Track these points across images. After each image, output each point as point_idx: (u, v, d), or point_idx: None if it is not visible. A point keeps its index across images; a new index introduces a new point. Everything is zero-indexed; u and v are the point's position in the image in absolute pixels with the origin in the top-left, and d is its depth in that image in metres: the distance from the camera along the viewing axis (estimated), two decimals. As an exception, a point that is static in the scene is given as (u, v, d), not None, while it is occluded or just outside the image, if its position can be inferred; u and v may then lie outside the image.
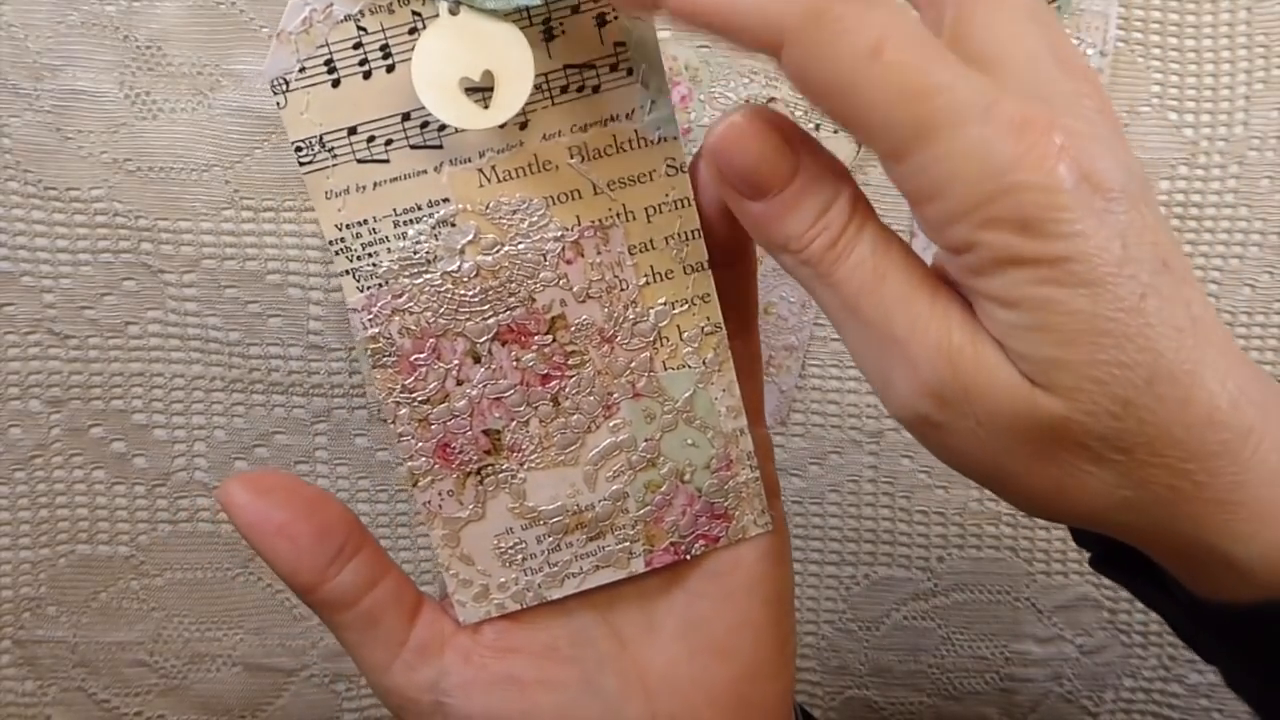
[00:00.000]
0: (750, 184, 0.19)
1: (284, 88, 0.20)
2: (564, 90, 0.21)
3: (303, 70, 0.20)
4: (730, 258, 0.23)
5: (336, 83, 0.20)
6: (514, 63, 0.20)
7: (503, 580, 0.23)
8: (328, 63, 0.20)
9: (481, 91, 0.20)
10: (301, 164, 0.21)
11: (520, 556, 0.23)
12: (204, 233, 0.40)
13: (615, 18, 0.20)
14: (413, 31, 0.20)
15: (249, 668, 0.42)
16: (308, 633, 0.42)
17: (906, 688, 0.44)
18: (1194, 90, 0.42)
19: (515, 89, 0.20)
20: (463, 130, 0.20)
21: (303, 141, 0.21)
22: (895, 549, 0.43)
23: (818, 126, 0.41)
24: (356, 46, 0.20)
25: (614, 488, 0.23)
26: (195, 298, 0.40)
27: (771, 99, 0.40)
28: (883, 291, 0.19)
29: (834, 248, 0.20)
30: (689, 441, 0.23)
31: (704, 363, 0.22)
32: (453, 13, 0.20)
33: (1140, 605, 0.44)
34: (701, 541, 0.23)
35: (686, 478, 0.23)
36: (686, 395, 0.23)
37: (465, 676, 0.23)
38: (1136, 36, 0.41)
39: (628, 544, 0.23)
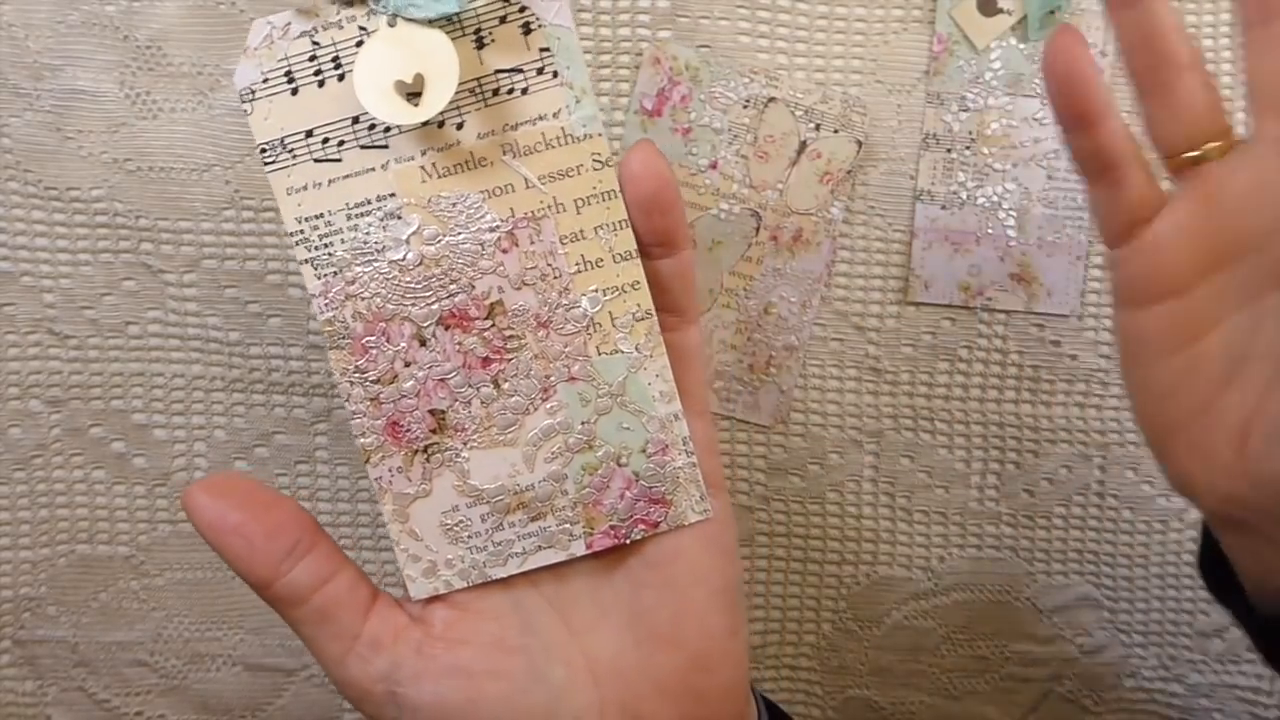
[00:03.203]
0: None
1: (250, 97, 0.23)
2: (495, 93, 0.23)
3: (265, 81, 0.23)
4: (662, 250, 0.24)
5: (295, 91, 0.23)
6: (441, 65, 0.22)
7: (449, 557, 0.24)
8: (287, 74, 0.22)
9: (414, 94, 0.22)
10: (265, 164, 0.23)
11: (465, 534, 0.24)
12: (204, 233, 0.40)
13: (540, 26, 0.22)
14: (359, 44, 0.22)
15: (249, 668, 0.42)
16: (308, 633, 0.42)
17: (906, 687, 0.44)
18: (1194, 90, 0.42)
19: (442, 88, 0.22)
20: (399, 127, 0.22)
21: (266, 144, 0.23)
22: (895, 549, 0.43)
23: (818, 127, 0.41)
24: (312, 59, 0.23)
25: (552, 468, 0.24)
26: (195, 298, 0.40)
27: (771, 99, 0.40)
28: None
29: None
30: (624, 425, 0.24)
31: (636, 348, 0.24)
32: (390, 24, 0.22)
33: (1140, 604, 0.44)
34: (641, 526, 0.24)
35: (623, 461, 0.24)
36: (620, 379, 0.24)
37: (416, 667, 0.24)
38: (1137, 36, 0.41)
39: (568, 525, 0.24)
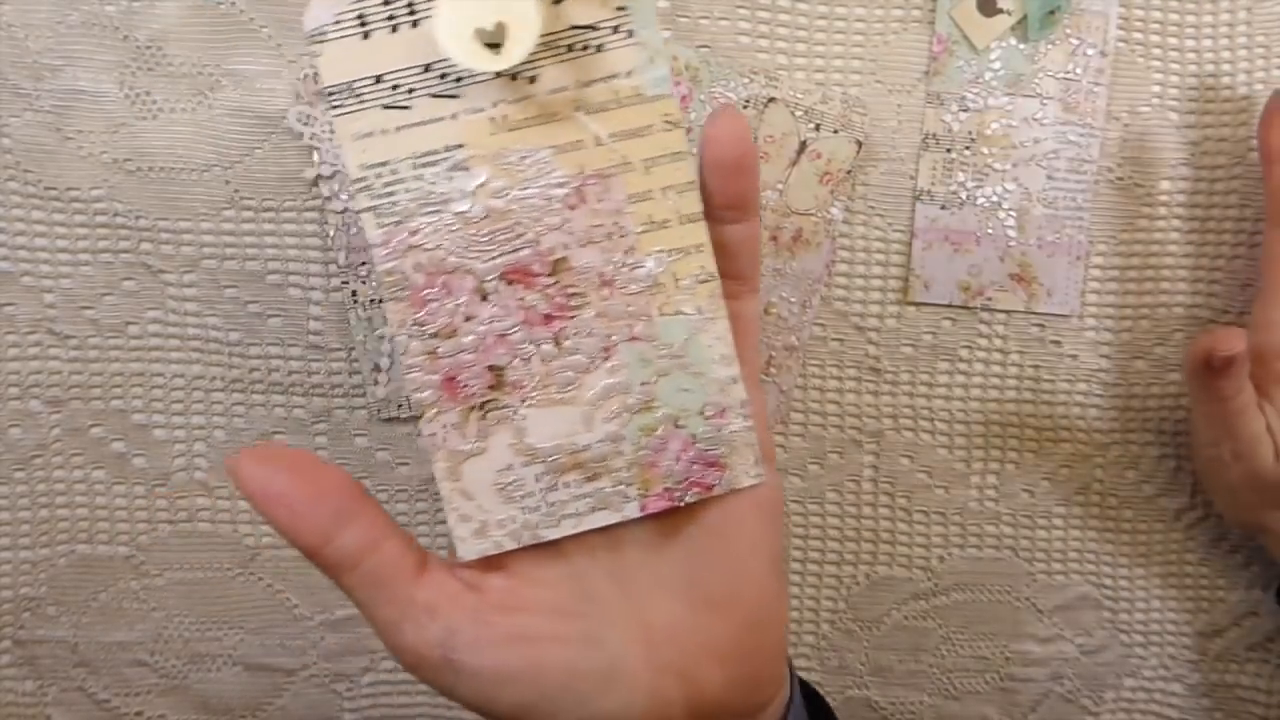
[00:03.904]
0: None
1: (321, 38, 0.22)
2: (570, 49, 0.22)
3: (337, 23, 0.22)
4: (731, 214, 0.24)
5: (366, 35, 0.22)
6: (522, 15, 0.21)
7: (501, 518, 0.24)
8: (359, 17, 0.22)
9: (492, 45, 0.21)
10: (333, 108, 0.22)
11: (519, 494, 0.23)
12: (204, 233, 0.40)
13: None
14: None
15: (249, 668, 0.42)
16: (307, 633, 0.42)
17: (906, 687, 0.44)
18: (1194, 90, 0.42)
19: (523, 39, 0.21)
20: (476, 75, 0.22)
21: (334, 87, 0.22)
22: (895, 549, 0.43)
23: (818, 127, 0.41)
24: (385, 3, 0.22)
25: (610, 428, 0.23)
26: (195, 298, 0.40)
27: (771, 99, 0.40)
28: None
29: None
30: (683, 387, 0.23)
31: (698, 310, 0.23)
32: None
33: (1140, 604, 0.44)
34: (695, 489, 0.24)
35: (681, 423, 0.24)
36: (681, 341, 0.23)
37: (474, 634, 0.24)
38: (1136, 36, 0.41)
39: (623, 487, 0.24)
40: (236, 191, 0.39)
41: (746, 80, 0.40)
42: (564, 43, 0.22)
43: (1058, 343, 0.43)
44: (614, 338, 0.23)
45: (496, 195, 0.23)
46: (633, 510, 0.24)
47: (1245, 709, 0.45)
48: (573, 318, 0.23)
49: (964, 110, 0.41)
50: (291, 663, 0.42)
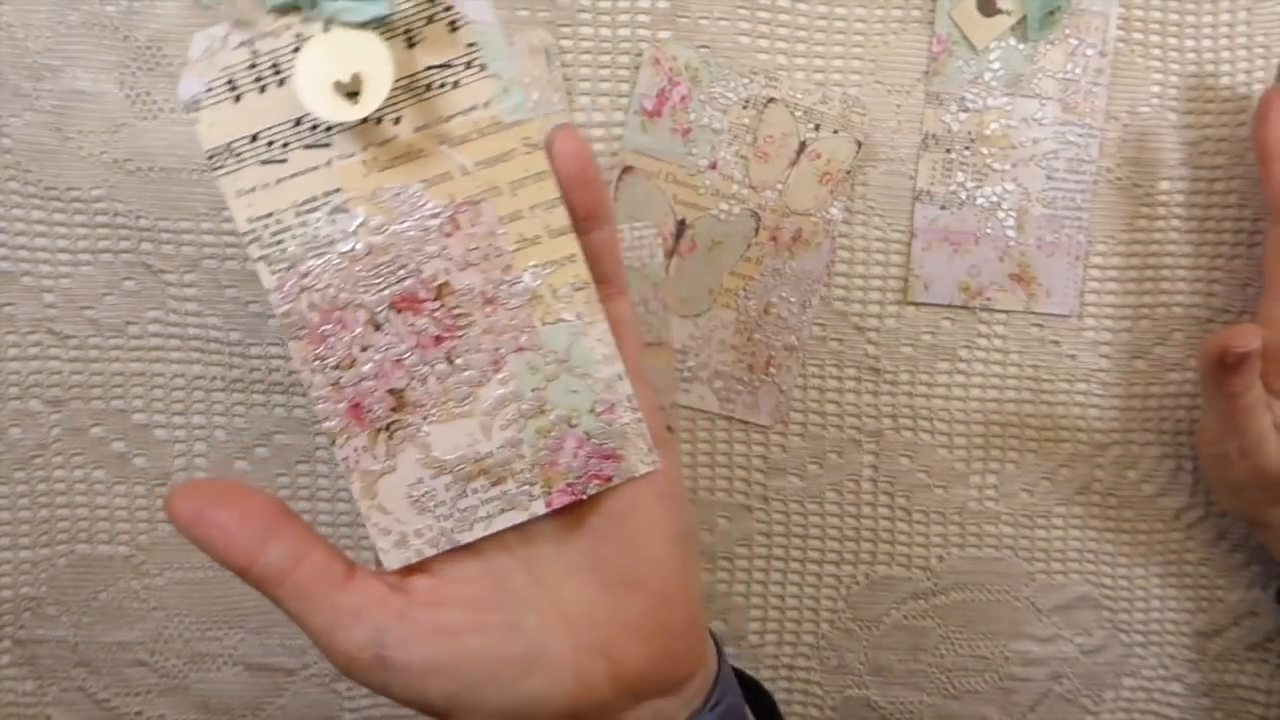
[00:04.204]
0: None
1: (196, 106, 0.24)
2: (428, 88, 0.24)
3: (209, 90, 0.24)
4: (589, 224, 0.26)
5: (238, 98, 0.24)
6: (376, 65, 0.23)
7: (418, 527, 0.25)
8: (230, 83, 0.24)
9: (352, 93, 0.23)
10: (214, 170, 0.24)
11: (431, 504, 0.25)
12: (204, 233, 0.40)
13: (465, 23, 0.24)
14: (296, 50, 0.23)
15: (249, 668, 0.42)
16: (308, 632, 0.42)
17: (906, 687, 0.44)
18: (1194, 90, 0.42)
19: (378, 86, 0.23)
20: (340, 125, 0.23)
21: (214, 149, 0.24)
22: (895, 549, 0.43)
23: (817, 127, 0.41)
24: (252, 66, 0.24)
25: (508, 435, 0.25)
26: (195, 298, 0.40)
27: (771, 99, 0.40)
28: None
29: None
30: (572, 389, 0.25)
31: (578, 316, 0.25)
32: (325, 29, 0.23)
33: (1140, 604, 0.44)
34: (595, 481, 0.25)
35: (574, 422, 0.25)
36: (565, 346, 0.25)
37: (401, 631, 0.25)
38: (1136, 36, 0.41)
39: (527, 487, 0.25)
40: (236, 191, 0.39)
41: (746, 80, 0.40)
42: (421, 83, 0.24)
43: (1057, 343, 0.43)
44: (502, 350, 0.25)
45: (376, 232, 0.24)
46: (539, 508, 0.25)
47: (1245, 709, 0.45)
48: (461, 336, 0.25)
49: (963, 110, 0.41)
50: (291, 663, 0.42)
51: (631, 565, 0.26)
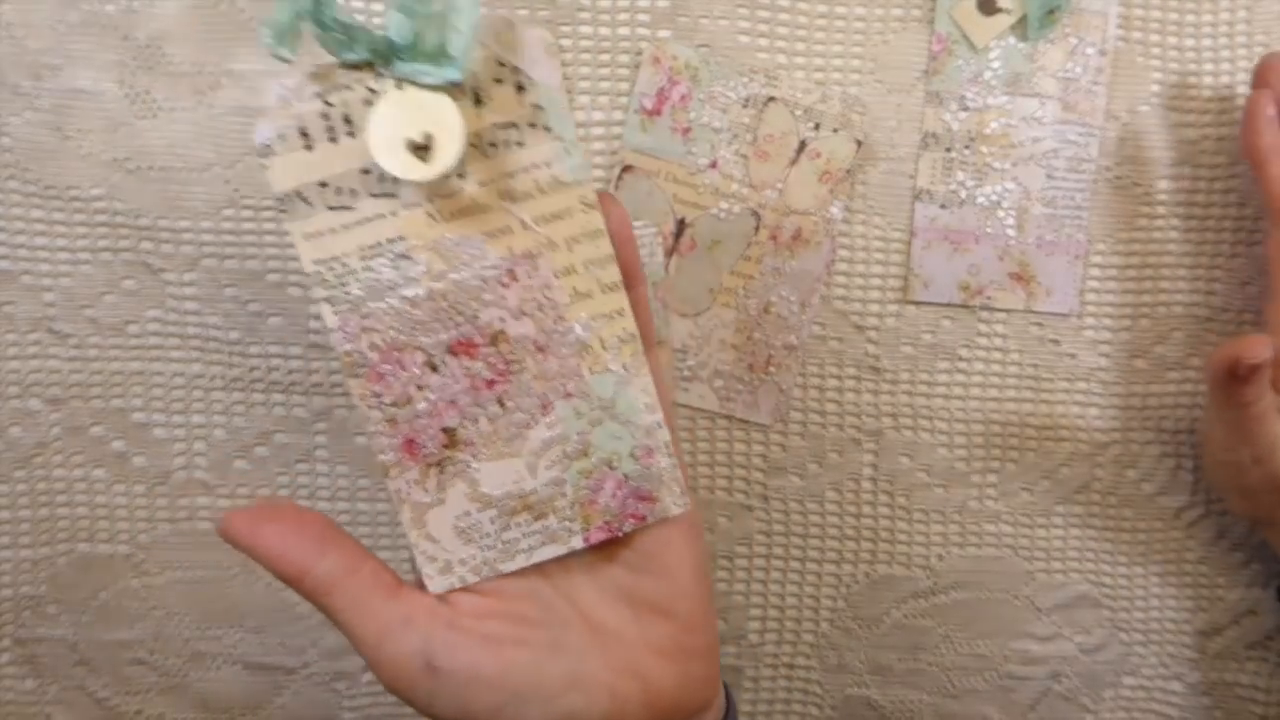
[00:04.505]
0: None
1: (268, 153, 0.25)
2: (494, 145, 0.25)
3: (283, 137, 0.25)
4: (630, 281, 0.27)
5: (310, 146, 0.25)
6: (448, 126, 0.24)
7: (463, 556, 0.26)
8: (302, 131, 0.24)
9: (423, 149, 0.24)
10: (282, 213, 0.25)
11: (476, 535, 0.26)
12: (204, 232, 0.40)
13: (531, 85, 0.25)
14: (368, 104, 0.24)
15: (249, 667, 0.42)
16: (308, 632, 0.42)
17: (906, 686, 0.44)
18: (1194, 90, 0.42)
19: (449, 147, 0.24)
20: (411, 180, 0.24)
21: (284, 195, 0.25)
22: (895, 548, 0.43)
23: (817, 126, 0.41)
24: (324, 117, 0.25)
25: (552, 474, 0.26)
26: (195, 297, 0.40)
27: (771, 99, 0.40)
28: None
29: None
30: (614, 434, 0.27)
31: (624, 367, 0.26)
32: (398, 88, 0.24)
33: (1140, 603, 0.44)
34: (631, 520, 0.27)
35: (614, 465, 0.27)
36: (610, 395, 0.26)
37: (450, 639, 0.26)
38: (1136, 36, 0.41)
39: (567, 523, 0.27)
40: (236, 191, 0.39)
41: (746, 80, 0.40)
42: (487, 140, 0.25)
43: (1057, 342, 0.43)
44: (550, 396, 0.26)
45: (437, 279, 0.25)
46: (577, 542, 0.27)
47: (1245, 707, 0.45)
48: (513, 381, 0.26)
49: (963, 109, 0.41)
50: (291, 662, 0.42)
51: (662, 595, 0.28)
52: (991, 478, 0.43)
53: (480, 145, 0.25)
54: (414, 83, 0.24)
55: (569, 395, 0.26)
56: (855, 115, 0.41)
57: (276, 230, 0.40)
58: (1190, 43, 0.42)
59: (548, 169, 0.25)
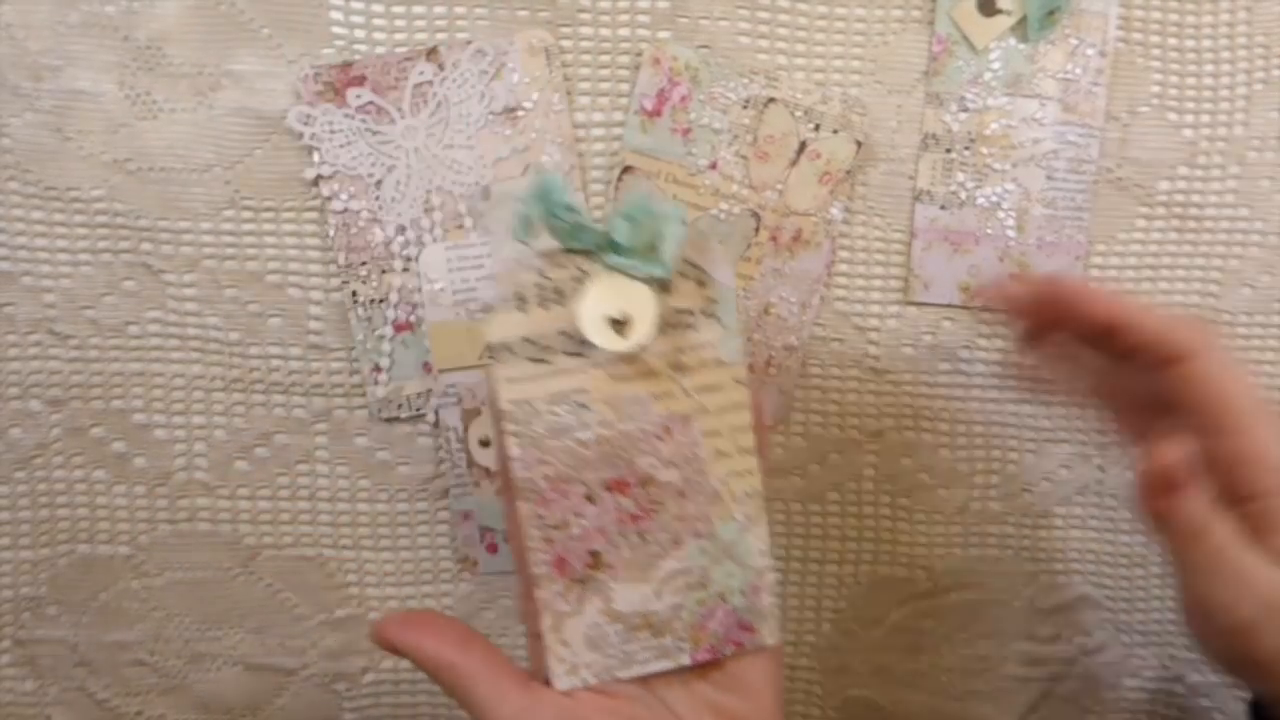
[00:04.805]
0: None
1: (490, 309, 0.30)
2: (671, 326, 0.30)
3: (504, 300, 0.30)
4: (759, 449, 0.31)
5: (523, 309, 0.30)
6: (645, 310, 0.29)
7: (588, 661, 0.31)
8: (519, 296, 0.29)
9: (620, 324, 0.29)
10: (491, 358, 0.30)
11: (603, 644, 0.31)
12: (204, 233, 0.40)
13: (710, 281, 0.30)
14: (576, 281, 0.29)
15: (249, 668, 0.42)
16: (308, 633, 0.42)
17: (907, 687, 0.44)
18: (1194, 90, 0.42)
19: (643, 327, 0.29)
20: (608, 350, 0.29)
21: (494, 345, 0.29)
22: (895, 549, 0.43)
23: (817, 127, 0.41)
24: (539, 286, 0.30)
25: (674, 600, 0.31)
26: (195, 298, 0.40)
27: (771, 99, 0.40)
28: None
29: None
30: (730, 573, 0.31)
31: (746, 517, 0.31)
32: (607, 273, 0.29)
33: (1140, 604, 0.44)
34: (732, 645, 0.31)
35: (726, 598, 0.31)
36: (732, 539, 0.31)
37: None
38: (1136, 36, 0.42)
39: (679, 642, 0.31)
40: (236, 191, 0.39)
41: (746, 80, 0.40)
42: (668, 320, 0.30)
43: (1057, 343, 0.43)
44: (684, 534, 0.30)
45: (607, 427, 0.30)
46: (684, 659, 0.31)
47: (1245, 709, 0.45)
48: (655, 519, 0.30)
49: (963, 110, 0.41)
50: (291, 662, 0.42)
51: (746, 710, 0.31)
52: (992, 479, 0.43)
53: (660, 324, 0.29)
54: (624, 272, 0.29)
55: (699, 535, 0.30)
56: (855, 116, 0.41)
57: (276, 231, 0.40)
58: (1190, 44, 0.42)
59: (712, 349, 0.30)
